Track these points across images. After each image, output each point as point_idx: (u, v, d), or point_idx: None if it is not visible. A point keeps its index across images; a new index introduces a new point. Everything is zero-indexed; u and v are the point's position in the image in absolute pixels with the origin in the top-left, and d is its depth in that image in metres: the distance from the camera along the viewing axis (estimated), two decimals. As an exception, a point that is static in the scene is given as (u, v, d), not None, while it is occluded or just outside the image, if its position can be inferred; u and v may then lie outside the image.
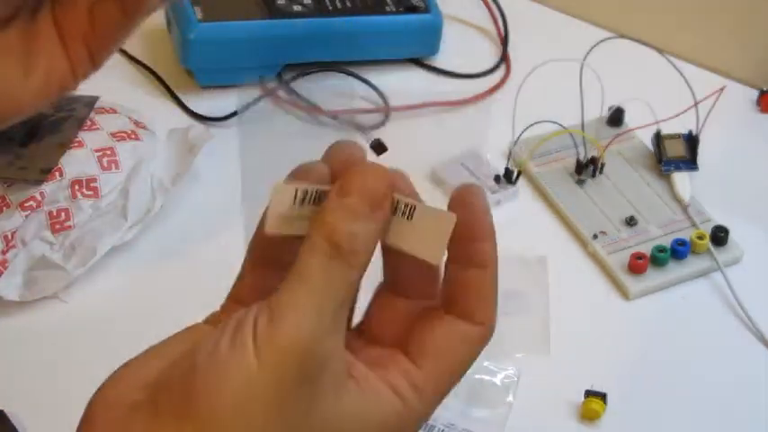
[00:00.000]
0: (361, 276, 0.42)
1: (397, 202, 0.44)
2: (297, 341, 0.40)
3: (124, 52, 0.93)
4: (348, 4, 0.91)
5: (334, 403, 0.41)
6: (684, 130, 0.86)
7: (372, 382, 0.42)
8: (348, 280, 0.41)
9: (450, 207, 0.44)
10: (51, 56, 0.50)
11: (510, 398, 0.70)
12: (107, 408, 0.42)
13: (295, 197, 0.44)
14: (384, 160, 0.85)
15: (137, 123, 0.82)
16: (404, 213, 0.43)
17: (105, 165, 0.78)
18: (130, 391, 0.42)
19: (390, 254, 0.45)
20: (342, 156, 0.45)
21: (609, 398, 0.70)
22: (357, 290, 0.43)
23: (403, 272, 0.46)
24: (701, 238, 0.79)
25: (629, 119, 0.89)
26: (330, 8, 0.91)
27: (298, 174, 0.45)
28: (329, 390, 0.41)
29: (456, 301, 0.44)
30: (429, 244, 0.43)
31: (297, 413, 0.41)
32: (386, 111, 0.90)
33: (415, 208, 0.43)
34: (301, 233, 0.43)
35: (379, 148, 0.51)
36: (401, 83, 0.93)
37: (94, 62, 0.50)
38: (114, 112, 0.83)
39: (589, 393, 0.70)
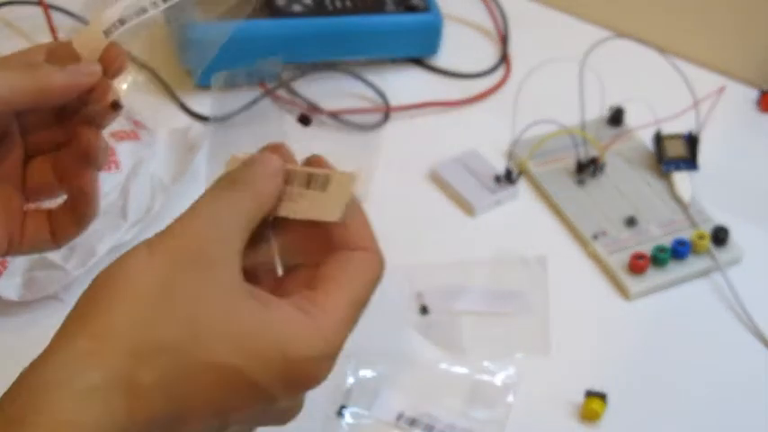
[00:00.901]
0: (258, 211, 0.47)
1: (293, 173, 0.49)
2: (185, 236, 0.46)
3: (124, 52, 0.93)
4: (348, 3, 0.91)
5: (231, 307, 0.44)
6: (684, 130, 0.86)
7: (275, 301, 0.46)
8: (244, 206, 0.47)
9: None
10: None
11: (510, 398, 0.70)
12: None
13: None
14: (385, 161, 0.85)
15: (137, 123, 0.82)
16: (303, 184, 0.49)
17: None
18: None
19: (283, 234, 0.50)
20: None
21: (609, 398, 0.70)
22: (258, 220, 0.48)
23: (297, 246, 0.50)
24: (701, 238, 0.79)
25: (629, 119, 0.89)
26: (330, 8, 0.91)
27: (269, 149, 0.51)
28: (224, 290, 0.44)
29: (335, 241, 0.49)
30: (327, 205, 0.48)
31: (185, 299, 0.44)
32: (386, 111, 0.90)
33: (312, 175, 0.49)
34: None
35: (304, 119, 0.54)
36: (401, 83, 0.93)
37: (9, 254, 0.56)
38: (114, 111, 0.83)
39: (589, 393, 0.70)
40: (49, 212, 0.55)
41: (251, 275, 0.49)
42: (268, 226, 0.50)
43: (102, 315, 0.44)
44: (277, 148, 0.51)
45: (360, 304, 0.48)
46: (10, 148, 0.55)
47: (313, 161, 0.51)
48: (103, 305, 0.44)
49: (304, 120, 0.54)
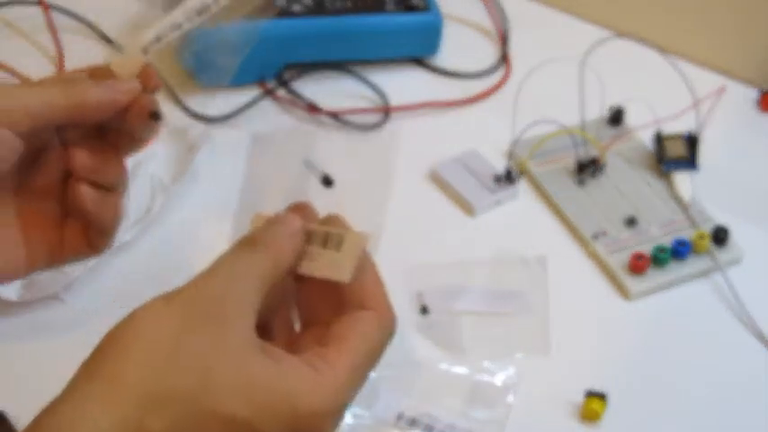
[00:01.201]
0: (275, 270, 0.49)
1: (314, 232, 0.51)
2: (202, 292, 0.46)
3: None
4: (348, 3, 0.91)
5: (242, 360, 0.45)
6: (684, 130, 0.86)
7: (287, 357, 0.47)
8: (261, 267, 0.48)
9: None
10: (6, 241, 0.54)
11: (510, 398, 0.70)
12: None
13: None
14: (384, 161, 0.85)
15: (137, 123, 0.82)
16: (321, 243, 0.51)
17: (105, 165, 0.77)
18: None
19: (302, 291, 0.52)
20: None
21: (609, 398, 0.70)
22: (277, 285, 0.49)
23: (314, 303, 0.52)
24: (701, 238, 0.79)
25: (629, 119, 0.89)
26: (330, 8, 0.91)
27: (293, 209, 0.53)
28: (236, 344, 0.45)
29: (348, 300, 0.50)
30: (340, 264, 0.50)
31: (197, 351, 0.45)
32: (386, 111, 0.90)
33: (329, 235, 0.51)
34: None
35: (327, 181, 0.57)
36: (401, 83, 0.93)
37: (52, 264, 0.56)
38: (114, 111, 0.83)
39: (589, 393, 0.70)
40: (84, 222, 0.56)
41: (267, 331, 0.51)
42: (289, 283, 0.52)
43: (115, 363, 0.45)
44: (301, 209, 0.53)
45: (369, 363, 0.49)
46: (50, 162, 0.56)
47: (332, 219, 0.52)
48: (116, 353, 0.45)
49: (327, 181, 0.57)
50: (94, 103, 0.54)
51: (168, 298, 0.47)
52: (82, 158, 0.55)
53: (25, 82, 0.56)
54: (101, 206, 0.56)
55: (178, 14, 0.57)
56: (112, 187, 0.56)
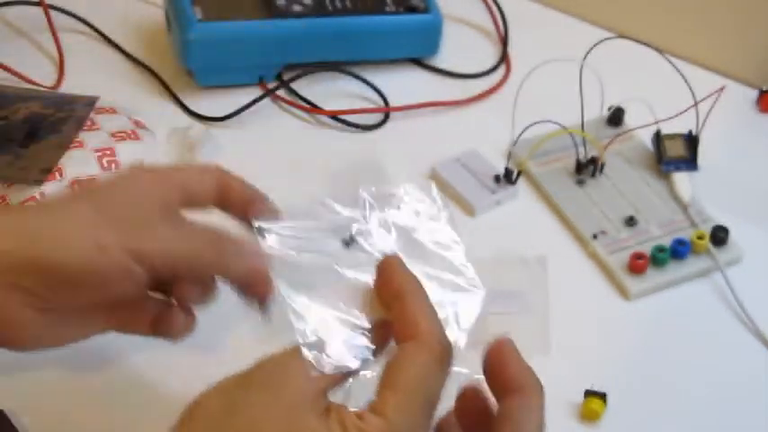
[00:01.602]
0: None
1: None
2: (260, 367, 0.48)
3: (124, 52, 0.93)
4: (348, 4, 0.91)
5: (292, 420, 0.46)
6: (684, 130, 0.86)
7: (339, 412, 0.47)
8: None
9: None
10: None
11: (510, 398, 0.70)
12: None
13: None
14: (385, 161, 0.85)
15: (137, 123, 0.83)
16: None
17: (105, 165, 0.78)
18: None
19: None
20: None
21: (609, 398, 0.70)
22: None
23: None
24: (701, 237, 0.79)
25: (629, 119, 0.89)
26: (330, 8, 0.91)
27: None
28: (286, 404, 0.46)
29: (395, 335, 0.50)
30: None
31: (248, 413, 0.46)
32: (386, 111, 0.90)
33: None
34: None
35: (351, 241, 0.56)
36: (401, 83, 0.93)
37: (106, 332, 0.60)
38: (114, 112, 0.83)
39: (589, 393, 0.70)
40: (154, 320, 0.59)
41: None
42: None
43: (183, 426, 0.47)
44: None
45: (419, 394, 0.49)
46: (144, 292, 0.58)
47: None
48: (186, 421, 0.47)
49: (347, 243, 0.56)
50: (234, 271, 0.56)
51: (231, 376, 0.48)
52: (190, 293, 0.57)
53: (171, 221, 0.56)
54: (181, 323, 0.59)
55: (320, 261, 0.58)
56: (197, 310, 0.59)
